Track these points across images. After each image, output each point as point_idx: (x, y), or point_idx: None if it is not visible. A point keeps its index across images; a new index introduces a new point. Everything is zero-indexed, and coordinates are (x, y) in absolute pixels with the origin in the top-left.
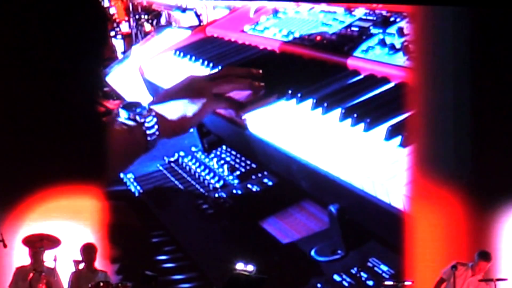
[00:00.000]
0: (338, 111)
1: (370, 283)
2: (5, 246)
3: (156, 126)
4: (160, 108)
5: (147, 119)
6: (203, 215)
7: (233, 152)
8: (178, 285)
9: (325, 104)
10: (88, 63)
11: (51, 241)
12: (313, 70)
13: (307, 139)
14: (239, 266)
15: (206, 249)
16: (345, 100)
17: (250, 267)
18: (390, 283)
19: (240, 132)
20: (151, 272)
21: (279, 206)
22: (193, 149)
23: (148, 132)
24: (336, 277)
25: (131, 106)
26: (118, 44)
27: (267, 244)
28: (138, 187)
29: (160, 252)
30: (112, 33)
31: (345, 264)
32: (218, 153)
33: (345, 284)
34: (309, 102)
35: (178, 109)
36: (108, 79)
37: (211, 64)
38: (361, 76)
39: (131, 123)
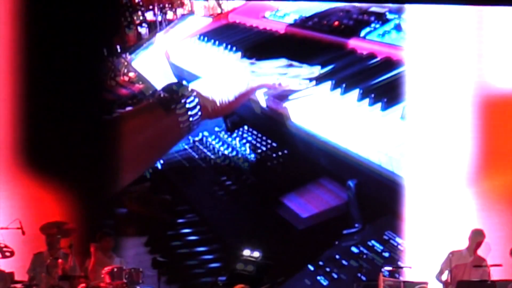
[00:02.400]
0: (356, 92)
1: (386, 254)
2: (23, 233)
3: (198, 107)
4: (202, 89)
5: (189, 100)
6: (226, 191)
7: (255, 132)
8: (202, 256)
9: (344, 85)
10: (112, 51)
11: (67, 229)
12: (331, 54)
13: (326, 118)
14: (246, 252)
15: (229, 222)
16: (363, 81)
17: (256, 253)
18: (389, 268)
19: (263, 112)
20: (163, 257)
21: (299, 183)
22: (217, 129)
23: (190, 112)
24: (354, 249)
25: (172, 87)
26: (143, 31)
27: (288, 218)
28: (165, 166)
29: (185, 225)
30: (137, 21)
31: (362, 237)
32: (240, 132)
33: (363, 256)
34: (328, 83)
35: (222, 90)
36: (134, 64)
37: (234, 48)
38: (378, 59)
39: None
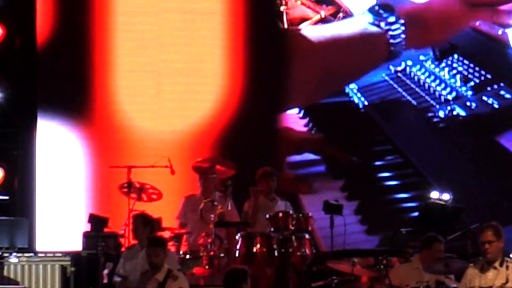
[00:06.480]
0: None
1: None
2: (172, 172)
3: (403, 36)
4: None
5: (393, 27)
6: (434, 129)
7: (466, 62)
8: (402, 204)
9: None
10: None
11: (225, 167)
12: None
13: None
14: (434, 194)
15: (437, 166)
16: None
17: (446, 196)
18: None
19: (477, 39)
20: (336, 201)
21: None
22: (422, 57)
23: (392, 41)
24: None
25: (379, 10)
26: None
27: (505, 161)
28: (362, 99)
29: (385, 168)
30: None
31: None
32: (449, 62)
33: None
34: None
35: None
36: None
37: None
38: None
39: (374, 28)
